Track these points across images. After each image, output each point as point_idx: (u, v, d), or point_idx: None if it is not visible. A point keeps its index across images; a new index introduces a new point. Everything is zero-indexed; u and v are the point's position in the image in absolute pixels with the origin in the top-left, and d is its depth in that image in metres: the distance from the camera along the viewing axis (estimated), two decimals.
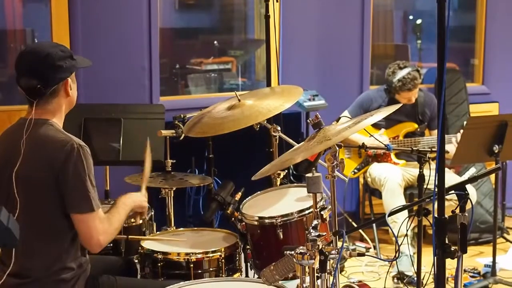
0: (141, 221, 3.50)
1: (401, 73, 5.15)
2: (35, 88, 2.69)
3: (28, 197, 2.68)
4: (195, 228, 3.56)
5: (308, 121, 2.60)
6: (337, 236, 2.48)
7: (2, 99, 5.43)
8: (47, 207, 2.70)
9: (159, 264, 3.10)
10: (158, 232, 3.57)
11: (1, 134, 2.89)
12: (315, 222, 2.38)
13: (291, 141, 3.58)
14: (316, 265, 2.29)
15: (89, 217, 2.69)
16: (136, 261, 3.29)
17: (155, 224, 3.78)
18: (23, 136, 2.68)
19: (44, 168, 2.67)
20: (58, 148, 2.67)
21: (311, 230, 2.31)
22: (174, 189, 3.80)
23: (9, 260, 2.62)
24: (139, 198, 3.05)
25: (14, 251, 2.61)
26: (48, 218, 2.71)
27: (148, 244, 3.28)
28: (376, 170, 5.22)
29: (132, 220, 3.44)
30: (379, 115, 2.63)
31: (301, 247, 2.30)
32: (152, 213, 3.72)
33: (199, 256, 3.10)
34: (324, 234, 2.32)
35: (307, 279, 2.34)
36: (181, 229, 3.59)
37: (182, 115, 3.94)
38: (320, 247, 2.28)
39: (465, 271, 4.76)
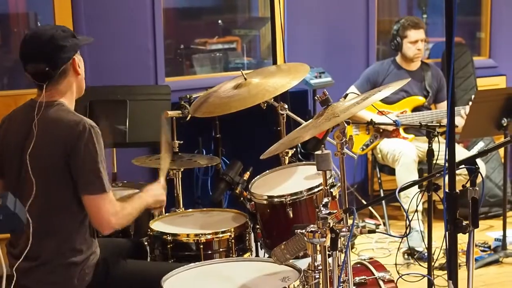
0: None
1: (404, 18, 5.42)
2: (43, 71, 2.70)
3: (39, 178, 2.67)
4: (204, 209, 3.55)
5: (316, 98, 2.58)
6: (347, 214, 2.46)
7: (8, 83, 5.41)
8: (58, 188, 2.70)
9: (169, 246, 3.09)
10: (167, 214, 3.56)
11: (8, 115, 2.89)
12: (325, 200, 2.36)
13: (298, 119, 3.56)
14: (327, 243, 2.28)
15: (100, 198, 2.68)
16: (146, 243, 3.28)
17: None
18: (34, 118, 2.69)
19: (55, 148, 2.67)
20: (70, 129, 2.67)
21: (322, 208, 2.30)
22: (182, 170, 3.79)
23: (18, 241, 2.61)
24: (158, 192, 3.04)
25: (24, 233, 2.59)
26: (59, 199, 2.71)
27: (157, 226, 3.27)
28: (389, 146, 5.20)
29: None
30: (387, 91, 2.61)
31: (312, 225, 2.29)
32: None
33: (209, 237, 3.09)
34: (334, 211, 2.31)
35: (319, 257, 2.34)
36: (190, 210, 3.58)
37: (188, 96, 3.92)
38: (331, 225, 2.27)
39: (475, 245, 4.74)
